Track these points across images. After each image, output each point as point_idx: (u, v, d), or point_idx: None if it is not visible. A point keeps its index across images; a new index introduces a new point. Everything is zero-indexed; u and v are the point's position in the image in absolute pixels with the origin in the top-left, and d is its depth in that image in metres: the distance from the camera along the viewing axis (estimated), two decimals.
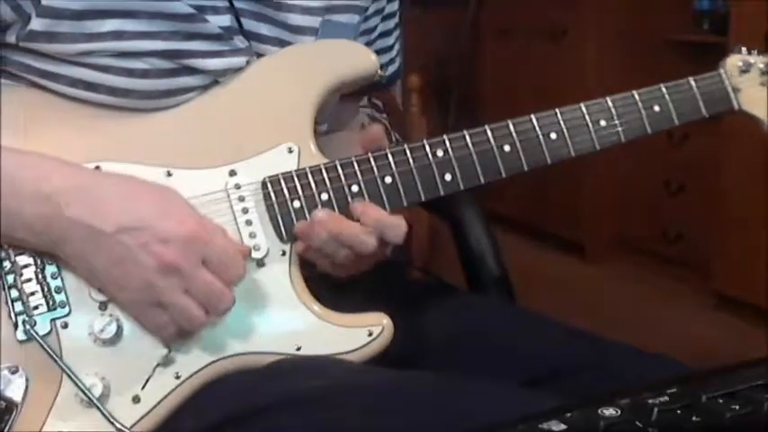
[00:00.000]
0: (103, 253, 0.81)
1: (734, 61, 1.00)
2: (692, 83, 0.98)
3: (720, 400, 0.64)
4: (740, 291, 2.84)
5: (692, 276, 3.11)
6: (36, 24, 0.84)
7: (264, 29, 0.93)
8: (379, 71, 0.94)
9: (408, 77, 2.49)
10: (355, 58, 0.94)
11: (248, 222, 0.88)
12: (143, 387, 0.85)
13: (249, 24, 0.91)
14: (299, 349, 0.87)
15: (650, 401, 0.64)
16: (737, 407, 0.63)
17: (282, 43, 0.94)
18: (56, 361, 0.83)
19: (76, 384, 0.82)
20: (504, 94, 3.74)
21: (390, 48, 1.09)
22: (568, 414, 0.63)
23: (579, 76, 3.35)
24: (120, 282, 0.83)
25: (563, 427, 0.62)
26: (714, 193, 2.94)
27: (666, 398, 0.65)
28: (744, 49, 1.01)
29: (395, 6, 1.08)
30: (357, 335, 0.88)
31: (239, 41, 0.91)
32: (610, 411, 0.63)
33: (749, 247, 2.81)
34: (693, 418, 0.62)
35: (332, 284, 0.91)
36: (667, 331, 2.57)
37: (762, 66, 1.00)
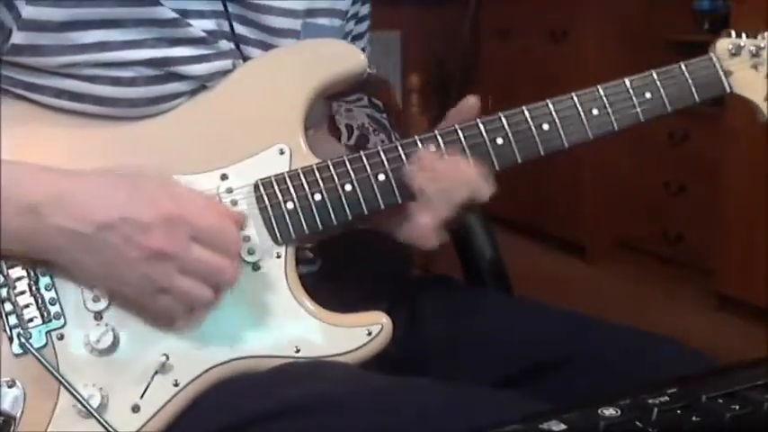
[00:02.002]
0: (92, 255, 0.80)
1: (724, 45, 1.00)
2: (683, 68, 0.98)
3: (720, 400, 0.64)
4: (740, 291, 2.84)
5: (693, 277, 3.11)
6: (18, 38, 0.83)
7: (247, 31, 0.92)
8: (368, 69, 0.94)
9: (408, 77, 2.49)
10: (344, 57, 0.94)
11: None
12: (142, 396, 0.84)
13: (230, 28, 0.91)
14: (297, 351, 0.87)
15: (650, 401, 0.64)
16: (737, 407, 0.63)
17: (265, 46, 0.93)
18: (52, 373, 0.82)
19: (74, 396, 0.82)
20: (504, 94, 3.73)
21: (362, 51, 1.09)
22: (568, 414, 0.63)
23: (579, 77, 3.34)
24: (115, 280, 0.82)
25: (563, 427, 0.62)
26: (714, 194, 2.94)
27: (666, 398, 0.65)
28: (732, 32, 1.00)
29: (366, 10, 1.08)
30: (356, 335, 0.88)
31: (224, 45, 0.90)
32: (610, 411, 0.63)
33: (749, 248, 2.81)
34: (693, 418, 0.62)
35: (329, 283, 0.91)
36: (668, 331, 2.56)
37: (752, 48, 1.00)
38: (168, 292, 0.81)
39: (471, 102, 0.93)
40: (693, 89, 0.98)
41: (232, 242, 0.83)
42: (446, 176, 0.88)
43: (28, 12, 0.82)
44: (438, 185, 0.88)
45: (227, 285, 0.83)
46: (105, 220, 0.80)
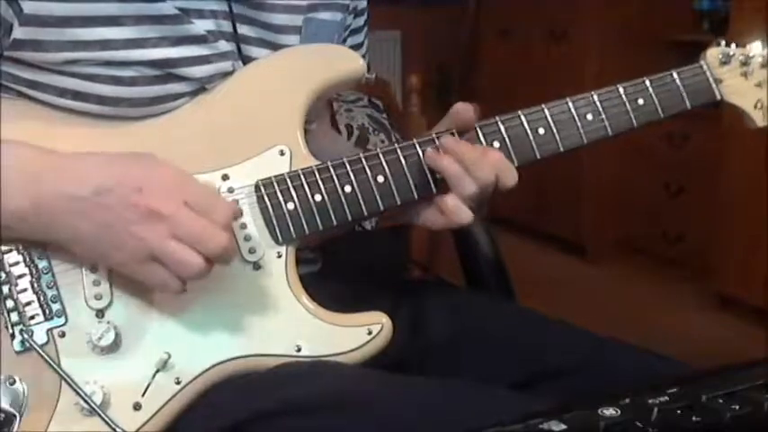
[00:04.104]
0: (88, 219, 0.80)
1: (714, 53, 1.02)
2: (675, 75, 1.00)
3: (720, 400, 0.64)
4: (740, 291, 2.84)
5: (693, 277, 3.12)
6: (19, 33, 0.83)
7: (247, 30, 0.93)
8: (367, 74, 0.95)
9: (408, 77, 2.49)
10: (342, 62, 0.95)
11: (243, 226, 0.88)
12: (143, 394, 0.84)
13: (232, 27, 0.91)
14: (298, 350, 0.87)
15: (650, 401, 0.64)
16: (737, 407, 0.63)
17: (266, 44, 0.94)
18: (55, 369, 0.82)
19: (76, 392, 0.82)
20: (504, 94, 3.74)
21: (360, 45, 1.09)
22: (568, 414, 0.63)
23: (579, 77, 3.35)
24: (110, 245, 0.81)
25: (563, 427, 0.62)
26: (714, 194, 2.94)
27: (666, 398, 0.65)
28: (722, 41, 1.03)
29: (364, 3, 1.09)
30: (356, 334, 0.88)
31: (223, 45, 0.91)
32: (610, 411, 0.63)
33: (749, 248, 2.81)
34: (693, 418, 0.62)
35: (330, 283, 0.91)
36: (668, 332, 2.57)
37: (741, 57, 1.02)
38: (160, 259, 0.80)
39: (462, 109, 0.93)
40: (685, 96, 1.00)
41: (224, 212, 0.82)
42: (470, 156, 0.89)
43: (29, 6, 0.82)
44: (462, 165, 0.88)
45: (217, 252, 0.81)
46: (101, 183, 0.80)
